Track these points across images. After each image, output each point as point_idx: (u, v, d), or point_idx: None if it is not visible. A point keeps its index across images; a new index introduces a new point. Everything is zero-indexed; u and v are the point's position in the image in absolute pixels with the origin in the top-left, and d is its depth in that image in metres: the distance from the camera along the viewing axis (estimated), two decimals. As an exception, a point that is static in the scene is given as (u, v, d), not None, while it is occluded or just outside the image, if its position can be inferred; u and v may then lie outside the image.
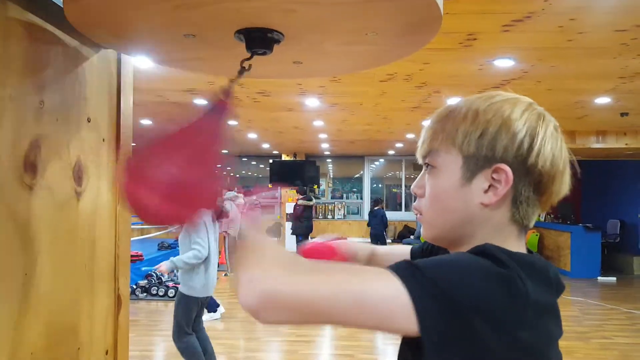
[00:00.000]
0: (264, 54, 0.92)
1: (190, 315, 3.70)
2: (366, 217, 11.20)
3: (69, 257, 0.97)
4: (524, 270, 0.61)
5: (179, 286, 3.78)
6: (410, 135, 8.91)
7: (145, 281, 7.00)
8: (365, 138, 9.58)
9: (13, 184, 0.81)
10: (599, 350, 5.06)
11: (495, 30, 3.29)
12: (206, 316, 5.17)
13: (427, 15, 0.84)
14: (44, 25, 0.90)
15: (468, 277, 0.59)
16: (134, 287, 6.80)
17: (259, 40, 0.90)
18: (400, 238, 12.48)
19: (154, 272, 6.99)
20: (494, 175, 0.69)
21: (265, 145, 11.32)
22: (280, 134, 9.34)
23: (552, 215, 10.48)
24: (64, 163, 0.95)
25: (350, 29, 0.90)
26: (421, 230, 0.80)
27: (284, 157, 12.92)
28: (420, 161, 0.78)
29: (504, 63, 4.09)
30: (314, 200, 10.20)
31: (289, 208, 10.89)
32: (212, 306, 5.79)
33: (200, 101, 6.00)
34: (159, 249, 9.50)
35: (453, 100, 0.80)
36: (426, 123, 0.78)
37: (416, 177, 0.80)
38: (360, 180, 13.81)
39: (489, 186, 0.69)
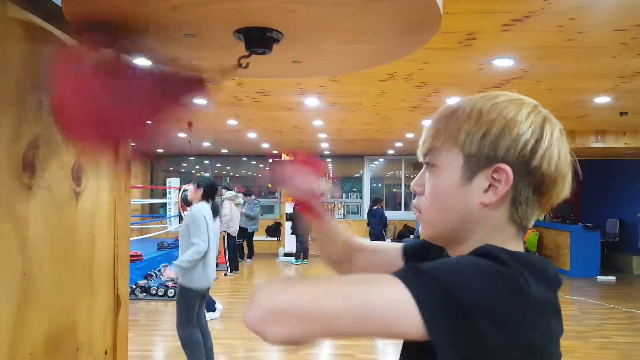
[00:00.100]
0: (263, 53, 0.92)
1: (192, 308, 3.83)
2: (365, 216, 11.21)
3: (68, 257, 0.97)
4: (525, 268, 0.61)
5: (179, 279, 3.92)
6: (409, 135, 8.90)
7: (145, 281, 7.01)
8: (364, 138, 9.57)
9: (12, 184, 0.80)
10: (599, 350, 5.06)
11: (495, 29, 3.29)
12: (206, 316, 5.16)
13: (427, 15, 0.84)
14: (44, 25, 0.90)
15: (472, 279, 0.59)
16: (134, 287, 6.81)
17: (259, 39, 0.90)
18: (400, 237, 12.47)
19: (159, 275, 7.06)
20: (494, 175, 0.69)
21: (265, 145, 11.32)
22: (280, 134, 9.33)
23: (551, 215, 10.46)
24: (63, 163, 0.94)
25: (349, 28, 0.90)
26: (420, 228, 0.80)
27: (284, 157, 12.92)
28: (421, 159, 0.78)
29: (503, 62, 4.09)
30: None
31: (289, 208, 10.90)
32: (211, 305, 5.80)
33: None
34: (158, 249, 9.48)
35: (453, 100, 0.80)
36: (426, 122, 0.78)
37: (416, 177, 0.80)
38: (360, 179, 13.79)
39: (489, 186, 0.69)
